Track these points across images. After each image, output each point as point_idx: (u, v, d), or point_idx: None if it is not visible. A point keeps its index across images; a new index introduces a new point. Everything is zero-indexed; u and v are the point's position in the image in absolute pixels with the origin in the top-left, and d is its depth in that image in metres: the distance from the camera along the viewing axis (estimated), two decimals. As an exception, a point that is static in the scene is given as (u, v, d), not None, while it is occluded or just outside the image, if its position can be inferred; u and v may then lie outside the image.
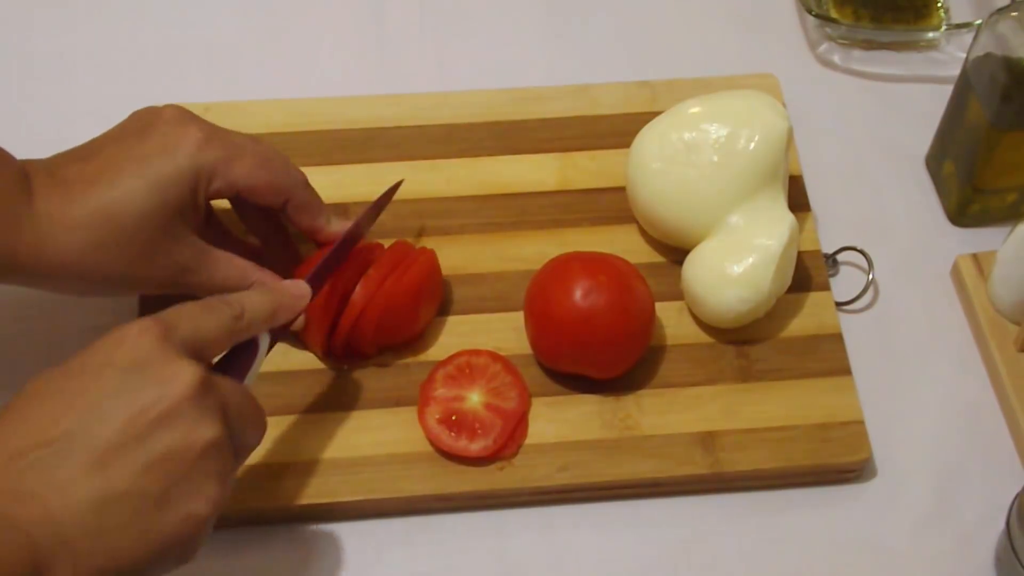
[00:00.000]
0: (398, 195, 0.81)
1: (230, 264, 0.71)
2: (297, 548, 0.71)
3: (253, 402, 0.61)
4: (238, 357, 0.63)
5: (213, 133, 0.70)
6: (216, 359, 0.63)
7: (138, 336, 0.56)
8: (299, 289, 0.67)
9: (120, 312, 0.77)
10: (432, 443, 0.72)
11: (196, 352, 0.58)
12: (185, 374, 0.56)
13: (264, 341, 0.65)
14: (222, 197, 0.70)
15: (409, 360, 0.76)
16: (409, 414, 0.73)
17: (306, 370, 0.75)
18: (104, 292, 0.73)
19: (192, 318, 0.59)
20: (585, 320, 0.71)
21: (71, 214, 0.66)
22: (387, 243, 0.77)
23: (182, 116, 0.70)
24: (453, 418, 0.72)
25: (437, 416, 0.72)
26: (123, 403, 0.55)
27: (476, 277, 0.79)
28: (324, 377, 0.75)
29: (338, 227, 0.74)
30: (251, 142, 0.71)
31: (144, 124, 0.69)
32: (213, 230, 0.75)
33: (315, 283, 0.69)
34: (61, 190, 0.66)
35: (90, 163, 0.67)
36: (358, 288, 0.72)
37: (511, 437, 0.72)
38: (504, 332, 0.76)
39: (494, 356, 0.75)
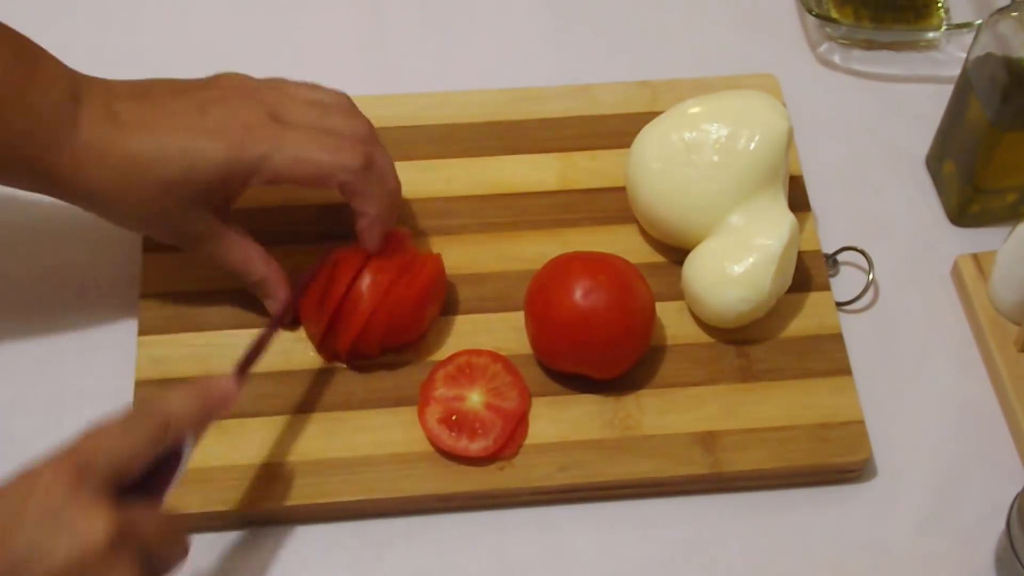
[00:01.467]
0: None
1: (239, 248, 0.72)
2: (297, 548, 0.71)
3: (172, 524, 0.60)
4: (161, 464, 0.61)
5: (270, 118, 0.70)
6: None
7: (50, 484, 0.55)
8: (225, 389, 0.64)
9: (122, 307, 0.77)
10: (432, 443, 0.72)
11: (116, 478, 0.57)
12: (97, 524, 0.55)
13: (188, 446, 0.62)
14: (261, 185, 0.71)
15: (410, 360, 0.76)
16: (409, 414, 0.73)
17: (306, 370, 0.75)
18: (125, 227, 0.74)
19: (110, 447, 0.58)
20: (585, 320, 0.71)
21: (109, 151, 0.67)
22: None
23: (247, 96, 0.70)
24: (453, 418, 0.72)
25: (437, 416, 0.72)
26: (35, 563, 0.54)
27: (477, 277, 0.79)
28: (324, 377, 0.75)
29: (374, 235, 0.72)
30: (315, 118, 0.71)
31: (210, 96, 0.70)
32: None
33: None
34: (108, 126, 0.68)
35: (144, 108, 0.69)
36: (366, 294, 0.72)
37: (511, 437, 0.72)
38: (504, 332, 0.76)
39: (494, 356, 0.75)
